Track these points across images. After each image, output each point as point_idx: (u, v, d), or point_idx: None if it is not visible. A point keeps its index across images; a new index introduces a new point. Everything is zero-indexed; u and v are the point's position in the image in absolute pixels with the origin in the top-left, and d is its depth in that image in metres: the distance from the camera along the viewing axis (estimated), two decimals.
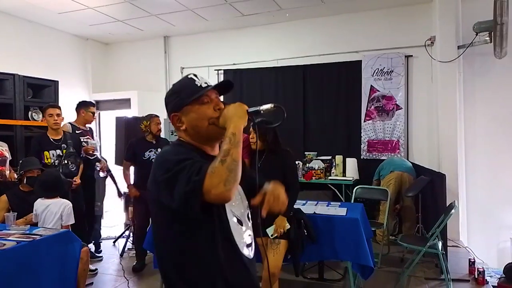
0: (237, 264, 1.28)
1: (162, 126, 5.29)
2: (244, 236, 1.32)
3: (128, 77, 6.83)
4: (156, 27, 6.13)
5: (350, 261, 2.99)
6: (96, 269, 4.12)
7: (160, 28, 6.23)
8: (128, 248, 4.72)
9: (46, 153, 3.83)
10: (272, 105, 1.27)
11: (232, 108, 1.22)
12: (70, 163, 3.91)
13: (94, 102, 4.70)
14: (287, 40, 5.98)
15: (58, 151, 3.89)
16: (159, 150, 4.13)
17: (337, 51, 5.62)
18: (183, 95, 1.28)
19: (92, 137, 4.47)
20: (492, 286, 3.60)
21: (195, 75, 1.32)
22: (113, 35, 6.54)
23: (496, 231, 4.90)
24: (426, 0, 5.23)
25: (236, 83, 6.20)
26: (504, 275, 3.70)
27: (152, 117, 4.25)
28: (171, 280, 1.26)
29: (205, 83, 1.29)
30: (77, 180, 3.95)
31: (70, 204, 3.18)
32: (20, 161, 3.63)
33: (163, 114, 6.25)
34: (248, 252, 1.33)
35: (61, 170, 3.78)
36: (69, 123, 4.39)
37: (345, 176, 5.20)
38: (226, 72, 6.26)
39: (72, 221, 3.15)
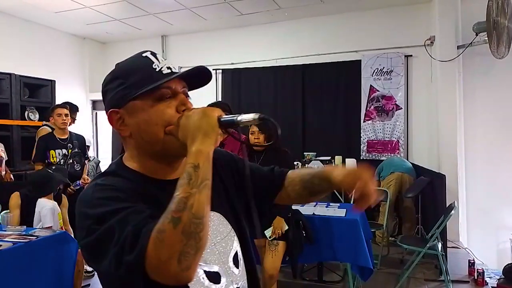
0: None
1: None
2: None
3: None
4: (153, 26, 6.10)
5: (349, 263, 2.97)
6: (93, 270, 4.08)
7: (158, 27, 6.20)
8: None
9: (52, 152, 3.83)
10: (257, 116, 0.82)
11: (195, 118, 0.78)
12: (75, 163, 3.93)
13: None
14: (286, 39, 5.95)
15: (64, 151, 3.89)
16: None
17: (336, 51, 5.60)
18: (131, 81, 0.83)
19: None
20: (492, 287, 3.58)
21: (153, 54, 0.87)
22: (110, 34, 6.50)
23: (495, 231, 4.88)
24: (426, 0, 5.21)
25: (235, 83, 6.18)
26: (503, 276, 3.69)
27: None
28: None
29: (168, 68, 0.85)
30: (84, 177, 3.96)
31: (49, 206, 3.10)
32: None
33: None
34: None
35: (66, 169, 3.79)
36: (46, 124, 4.15)
37: None
38: (224, 71, 6.23)
39: (48, 223, 3.02)
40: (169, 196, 0.70)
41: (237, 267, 0.92)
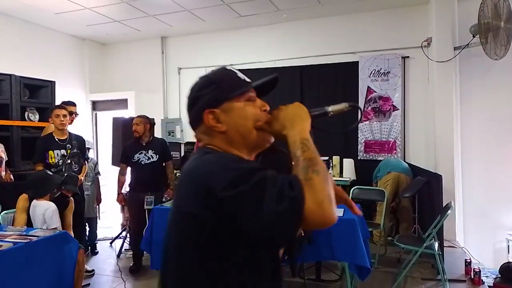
0: None
1: (159, 127, 5.27)
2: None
3: (125, 78, 6.82)
4: (153, 27, 6.13)
5: (347, 262, 3.00)
6: (93, 270, 4.11)
7: (158, 29, 6.23)
8: (125, 249, 4.71)
9: (50, 152, 3.85)
10: (347, 105, 1.01)
11: (292, 109, 0.98)
12: (73, 163, 3.92)
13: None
14: (285, 41, 5.99)
15: (63, 151, 3.90)
16: (149, 152, 4.11)
17: (334, 52, 5.64)
18: (226, 86, 1.00)
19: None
20: (488, 286, 3.62)
21: (232, 68, 1.08)
22: (110, 35, 6.53)
23: (492, 231, 4.92)
24: (423, 2, 5.25)
25: None
26: (500, 275, 3.73)
27: (133, 119, 4.20)
28: None
29: (247, 78, 1.05)
30: (80, 178, 3.95)
31: (53, 207, 3.13)
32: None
33: (158, 115, 6.31)
34: None
35: (64, 170, 3.79)
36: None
37: (342, 177, 5.21)
38: None
39: (55, 224, 3.07)
40: None
41: None
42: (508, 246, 4.69)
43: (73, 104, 4.39)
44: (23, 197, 3.15)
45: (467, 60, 4.99)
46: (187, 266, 0.93)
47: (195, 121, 1.03)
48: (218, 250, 0.90)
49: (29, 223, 3.08)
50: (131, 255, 4.28)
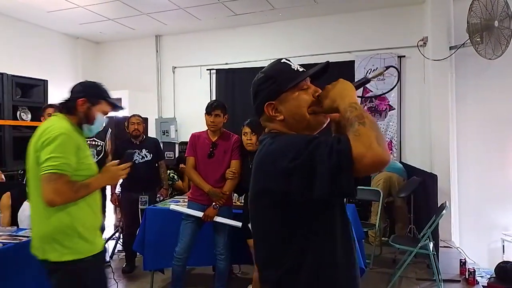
0: (353, 272, 1.12)
1: (153, 126, 5.18)
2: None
3: (119, 77, 6.75)
4: (147, 26, 6.08)
5: None
6: None
7: (152, 27, 6.18)
8: (118, 250, 4.67)
9: None
10: (384, 68, 1.21)
11: (338, 85, 1.11)
12: None
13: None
14: (280, 39, 5.96)
15: None
16: (143, 151, 4.06)
17: (330, 51, 5.60)
18: (281, 80, 1.14)
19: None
20: (483, 286, 3.61)
21: (287, 60, 1.19)
22: (104, 34, 6.47)
23: (487, 231, 4.92)
24: (419, 1, 5.24)
25: (229, 83, 6.18)
26: (494, 275, 3.72)
27: (129, 118, 4.16)
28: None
29: (300, 67, 1.19)
30: None
31: None
32: None
33: (152, 114, 6.26)
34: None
35: None
36: None
37: None
38: (218, 71, 6.23)
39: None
40: None
41: None
42: (503, 246, 4.69)
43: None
44: (6, 195, 3.15)
45: (463, 60, 4.98)
46: (273, 240, 1.11)
47: (258, 112, 1.20)
48: (297, 219, 1.06)
49: (14, 222, 3.05)
50: (124, 256, 4.23)
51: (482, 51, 4.52)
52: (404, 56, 5.39)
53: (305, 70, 1.19)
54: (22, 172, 3.72)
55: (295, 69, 1.17)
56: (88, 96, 1.87)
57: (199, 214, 3.06)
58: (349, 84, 1.11)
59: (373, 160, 0.89)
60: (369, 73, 1.15)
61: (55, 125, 1.74)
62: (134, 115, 4.17)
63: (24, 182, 3.31)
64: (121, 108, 2.15)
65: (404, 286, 3.62)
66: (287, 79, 1.14)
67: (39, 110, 4.26)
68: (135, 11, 5.42)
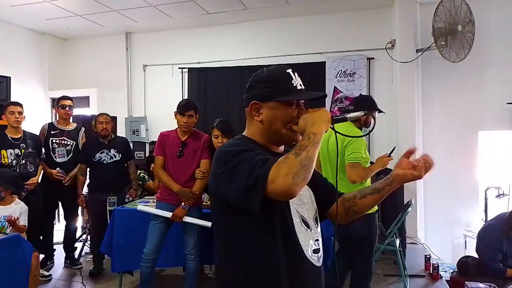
0: (302, 270, 1.19)
1: (123, 125, 5.00)
2: (310, 240, 1.22)
3: (87, 74, 6.57)
4: (117, 23, 5.94)
5: None
6: (50, 274, 3.93)
7: (122, 24, 6.04)
8: (85, 252, 4.54)
9: (3, 152, 3.64)
10: (363, 113, 1.29)
11: (317, 113, 1.17)
12: (28, 163, 3.71)
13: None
14: (253, 39, 5.97)
15: (17, 151, 3.70)
16: (112, 150, 3.97)
17: (302, 52, 5.66)
18: (277, 89, 1.19)
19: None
20: (446, 280, 3.75)
21: (293, 72, 1.23)
22: (71, 30, 6.27)
23: (451, 227, 5.10)
24: (387, 4, 5.38)
25: (201, 82, 6.13)
26: (456, 269, 3.87)
27: (96, 117, 4.08)
28: (232, 279, 1.19)
29: (300, 85, 1.23)
30: (34, 180, 3.76)
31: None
32: None
33: (122, 113, 6.13)
34: (316, 259, 1.23)
35: (18, 170, 3.59)
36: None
37: None
38: (190, 70, 6.17)
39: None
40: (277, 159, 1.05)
41: (317, 225, 1.29)
42: (465, 241, 4.87)
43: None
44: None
45: (429, 62, 5.14)
46: (217, 239, 1.26)
47: (244, 104, 1.26)
48: (230, 220, 1.17)
49: None
50: (91, 259, 4.13)
51: (447, 54, 4.70)
52: (373, 58, 5.52)
53: (303, 89, 1.24)
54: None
55: (294, 85, 1.21)
56: None
57: (168, 214, 3.02)
58: (326, 116, 1.16)
59: (280, 189, 0.99)
60: (349, 114, 1.28)
61: None
62: (101, 114, 4.07)
63: None
64: None
65: (372, 283, 3.68)
66: (281, 91, 1.19)
67: (1, 108, 4.09)
68: (104, 7, 5.28)
